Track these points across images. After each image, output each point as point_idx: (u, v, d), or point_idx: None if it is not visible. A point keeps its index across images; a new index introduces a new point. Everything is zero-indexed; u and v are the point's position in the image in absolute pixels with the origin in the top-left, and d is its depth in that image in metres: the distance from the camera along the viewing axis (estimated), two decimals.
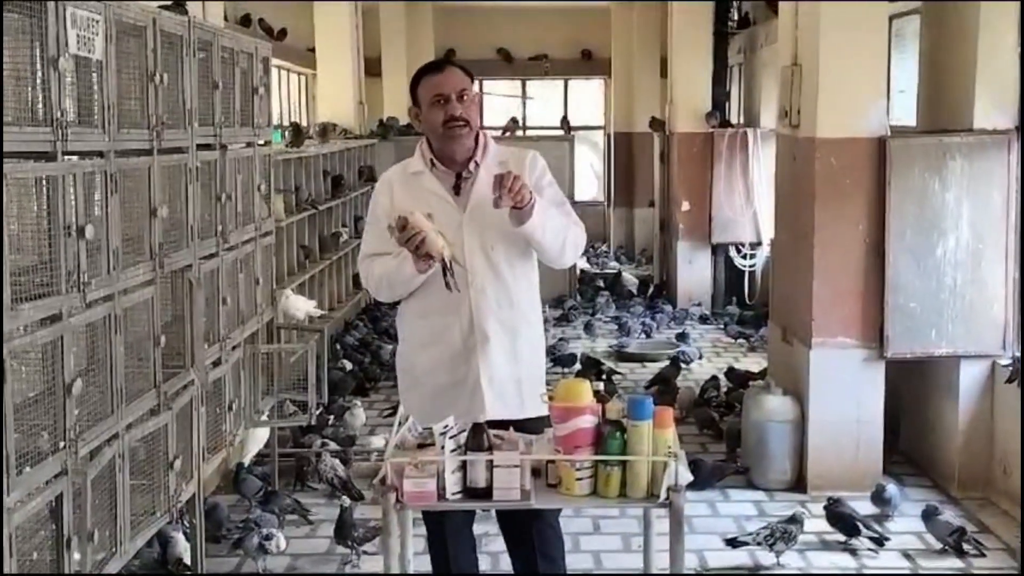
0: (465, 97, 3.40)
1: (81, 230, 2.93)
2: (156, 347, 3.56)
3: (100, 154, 3.17)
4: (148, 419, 3.53)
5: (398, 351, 3.68)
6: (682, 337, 9.06)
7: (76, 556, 2.96)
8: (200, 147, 4.07)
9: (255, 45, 4.89)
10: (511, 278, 3.46)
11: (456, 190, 3.46)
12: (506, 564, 3.79)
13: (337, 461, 5.52)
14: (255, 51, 4.84)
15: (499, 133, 13.00)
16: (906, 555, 4.79)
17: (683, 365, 7.99)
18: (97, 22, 3.08)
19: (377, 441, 6.15)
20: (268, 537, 4.56)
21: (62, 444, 2.88)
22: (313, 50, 11.54)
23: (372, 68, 12.85)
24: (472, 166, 3.46)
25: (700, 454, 6.04)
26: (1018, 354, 5.28)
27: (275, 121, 8.96)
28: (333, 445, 5.93)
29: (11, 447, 2.63)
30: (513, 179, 3.18)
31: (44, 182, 2.83)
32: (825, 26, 5.38)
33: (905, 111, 6.45)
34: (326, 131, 9.20)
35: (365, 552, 4.70)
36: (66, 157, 2.93)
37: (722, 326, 9.68)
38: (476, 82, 3.52)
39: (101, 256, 3.14)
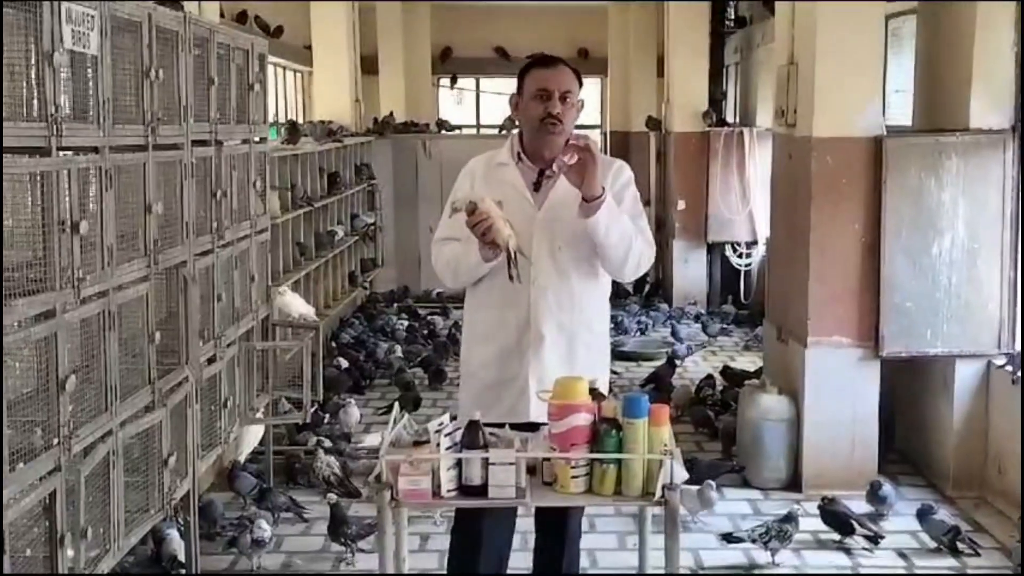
0: (568, 99, 3.37)
1: (75, 226, 2.92)
2: (151, 344, 3.55)
3: (95, 150, 3.16)
4: (142, 416, 3.52)
5: (461, 344, 3.67)
6: (676, 334, 9.09)
7: (70, 553, 2.96)
8: (195, 143, 4.06)
9: (251, 42, 4.88)
10: (576, 281, 3.41)
11: (536, 186, 3.43)
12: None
13: (333, 459, 5.51)
14: (251, 48, 4.83)
15: (496, 131, 12.97)
16: (901, 554, 4.79)
17: (677, 362, 8.00)
18: (92, 17, 3.07)
19: (371, 439, 6.14)
20: (253, 530, 4.56)
21: (56, 441, 2.87)
22: (310, 48, 11.53)
23: (368, 66, 12.84)
24: (557, 166, 3.40)
25: (696, 453, 6.04)
26: (1016, 350, 5.28)
27: (271, 118, 8.95)
28: (328, 443, 5.93)
29: (5, 443, 2.62)
30: (580, 147, 3.17)
31: (38, 177, 2.82)
32: (821, 25, 5.38)
33: (901, 111, 6.46)
34: (318, 129, 9.12)
35: (361, 550, 4.69)
36: (61, 152, 2.92)
37: (700, 326, 9.63)
38: (582, 88, 3.47)
39: (95, 252, 3.13)
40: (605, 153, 15.31)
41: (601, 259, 3.40)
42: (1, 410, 2.60)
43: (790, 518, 4.72)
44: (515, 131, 3.53)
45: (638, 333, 9.36)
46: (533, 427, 3.24)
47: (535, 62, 3.44)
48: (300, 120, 11.26)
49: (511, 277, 3.24)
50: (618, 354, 8.62)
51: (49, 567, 2.88)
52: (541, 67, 3.41)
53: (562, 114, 3.35)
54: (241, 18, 10.23)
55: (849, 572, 4.65)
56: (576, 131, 3.48)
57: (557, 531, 3.58)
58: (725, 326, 9.52)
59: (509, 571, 3.69)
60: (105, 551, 3.24)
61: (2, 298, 2.62)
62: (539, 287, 3.37)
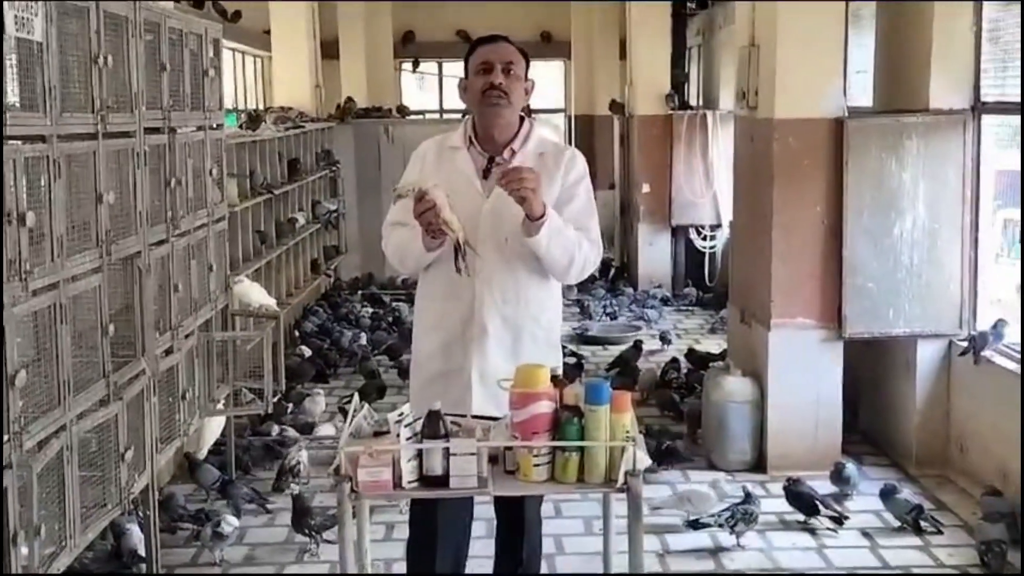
0: (511, 71, 3.29)
1: (22, 217, 2.85)
2: (104, 336, 3.48)
3: (43, 139, 3.08)
4: (98, 410, 3.46)
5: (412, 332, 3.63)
6: (648, 318, 9.17)
7: (23, 551, 2.90)
8: (148, 131, 3.98)
9: (205, 26, 4.79)
10: (523, 274, 3.34)
11: (485, 174, 3.35)
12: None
13: (304, 454, 5.40)
14: (205, 33, 4.75)
15: (459, 116, 12.90)
16: (865, 533, 4.82)
17: (666, 344, 8.20)
18: (36, 2, 2.99)
19: (328, 428, 6.09)
20: (218, 523, 4.51)
21: (6, 437, 2.81)
22: (268, 32, 11.40)
23: (329, 50, 12.70)
24: (508, 153, 3.36)
25: (660, 436, 6.03)
26: (976, 331, 5.30)
27: (229, 104, 8.80)
28: (292, 432, 5.88)
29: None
30: (515, 177, 3.08)
31: None
32: (782, 7, 5.37)
33: (863, 92, 6.47)
34: (256, 118, 8.70)
35: (326, 540, 4.65)
36: (7, 142, 2.84)
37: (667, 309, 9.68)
38: (530, 66, 3.39)
39: (45, 244, 3.06)
40: (569, 140, 15.23)
41: (544, 265, 3.34)
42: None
43: (749, 497, 4.74)
44: (469, 115, 3.47)
45: (606, 318, 9.36)
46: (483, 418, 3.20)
47: (476, 42, 3.40)
48: (260, 106, 11.13)
49: (458, 270, 3.18)
50: (585, 338, 8.64)
51: (1, 565, 2.82)
52: (482, 44, 3.37)
53: (505, 85, 3.27)
54: (198, 3, 10.06)
55: (815, 563, 4.66)
56: (540, 118, 3.45)
57: (515, 519, 3.56)
58: (685, 307, 9.73)
59: (472, 559, 3.67)
60: (61, 548, 3.18)
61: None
62: (484, 279, 3.30)
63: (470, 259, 3.19)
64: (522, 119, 3.40)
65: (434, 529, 3.44)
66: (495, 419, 3.09)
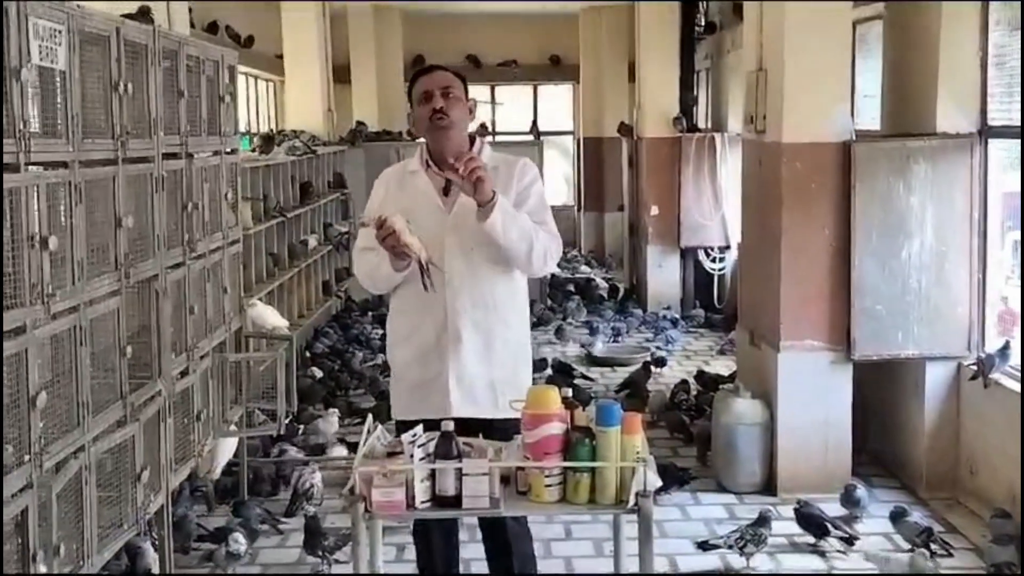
0: (450, 94, 3.52)
1: (45, 241, 2.91)
2: (122, 358, 3.54)
3: (64, 164, 3.15)
4: (115, 431, 3.51)
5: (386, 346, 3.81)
6: (665, 340, 9.20)
7: (42, 569, 2.94)
8: (166, 156, 4.05)
9: (221, 53, 4.87)
10: (490, 280, 3.54)
11: (446, 191, 3.55)
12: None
13: (318, 477, 5.42)
14: (221, 59, 4.82)
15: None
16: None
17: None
18: (60, 32, 3.06)
19: (340, 449, 6.11)
20: (226, 542, 4.55)
21: (27, 457, 2.86)
22: (281, 57, 11.50)
23: (341, 75, 12.82)
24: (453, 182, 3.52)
25: (671, 458, 6.06)
26: (984, 353, 5.32)
27: (242, 128, 8.88)
28: (299, 453, 5.91)
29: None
30: (468, 160, 3.31)
31: (7, 193, 2.81)
32: (789, 31, 5.42)
33: (870, 116, 6.52)
34: (271, 139, 8.82)
35: (337, 560, 4.68)
36: (29, 168, 2.91)
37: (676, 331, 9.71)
38: (467, 86, 3.63)
39: (66, 267, 3.13)
40: (578, 162, 15.25)
41: (506, 257, 3.50)
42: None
43: (763, 520, 4.75)
44: (423, 140, 3.67)
45: (613, 340, 9.38)
46: (462, 423, 3.24)
47: (415, 74, 3.66)
48: (273, 129, 11.21)
49: (425, 287, 3.38)
50: (594, 360, 8.66)
51: None
52: (421, 75, 3.63)
53: (446, 107, 3.50)
54: (212, 28, 10.19)
55: (824, 574, 4.67)
56: (491, 143, 3.62)
57: (497, 534, 3.65)
58: (694, 329, 9.79)
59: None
60: (78, 567, 3.23)
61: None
62: (454, 289, 3.49)
63: (435, 275, 3.39)
64: (472, 139, 3.62)
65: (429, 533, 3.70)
66: (476, 420, 3.34)
